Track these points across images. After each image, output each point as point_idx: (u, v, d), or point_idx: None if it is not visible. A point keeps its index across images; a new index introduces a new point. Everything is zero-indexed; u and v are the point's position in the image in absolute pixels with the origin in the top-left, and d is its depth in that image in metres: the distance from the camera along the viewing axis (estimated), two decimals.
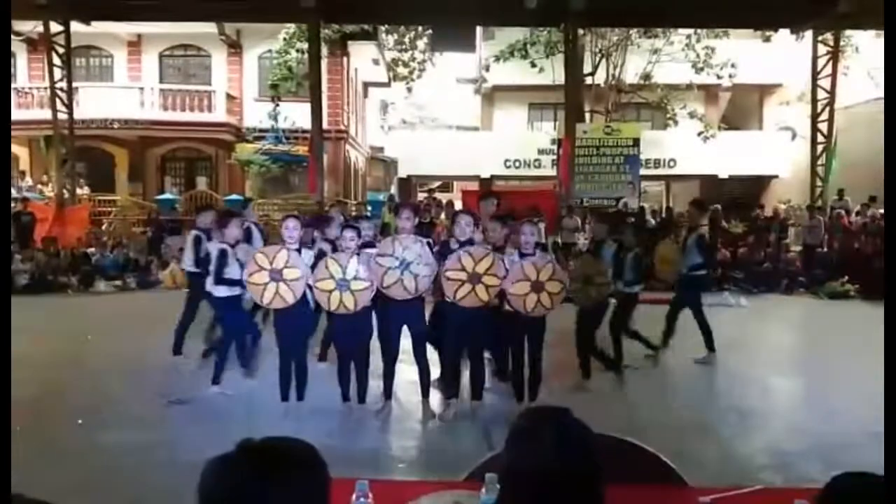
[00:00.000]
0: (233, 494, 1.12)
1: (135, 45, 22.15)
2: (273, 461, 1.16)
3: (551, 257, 5.42)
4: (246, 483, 1.12)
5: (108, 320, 10.12)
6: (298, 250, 5.17)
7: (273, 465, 1.15)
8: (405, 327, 5.22)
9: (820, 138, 16.85)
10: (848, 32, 17.84)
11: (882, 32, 19.36)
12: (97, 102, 20.02)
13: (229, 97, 21.48)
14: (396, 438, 4.94)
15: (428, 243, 5.27)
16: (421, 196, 24.39)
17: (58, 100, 16.53)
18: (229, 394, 5.68)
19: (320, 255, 5.30)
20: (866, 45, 20.52)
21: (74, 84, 17.78)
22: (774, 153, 22.82)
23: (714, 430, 5.15)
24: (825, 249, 14.88)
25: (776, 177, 23.13)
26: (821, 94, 16.82)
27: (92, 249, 14.72)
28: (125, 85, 21.55)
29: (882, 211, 14.15)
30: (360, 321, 5.11)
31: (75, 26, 16.82)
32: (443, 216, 14.98)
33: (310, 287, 5.02)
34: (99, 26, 18.61)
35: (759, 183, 23.59)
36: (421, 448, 4.77)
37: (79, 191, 18.19)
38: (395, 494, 2.05)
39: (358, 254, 5.10)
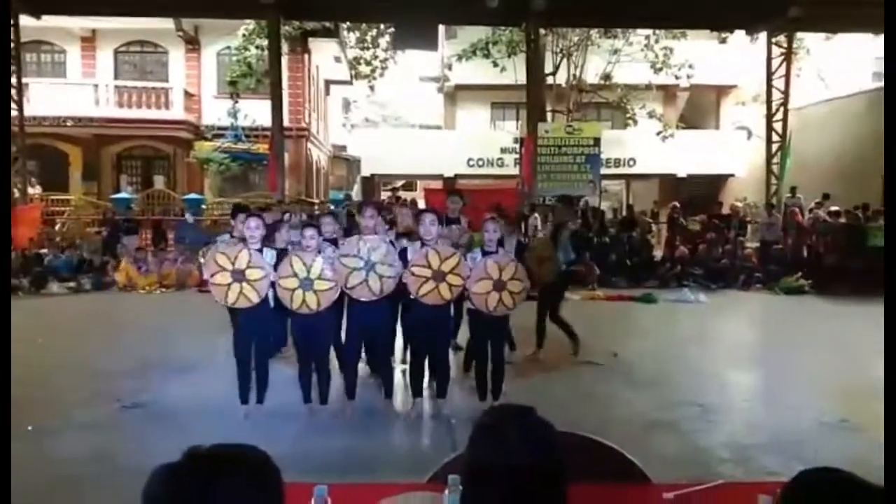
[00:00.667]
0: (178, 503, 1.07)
1: (89, 40, 21.54)
2: (221, 468, 1.11)
3: (513, 256, 5.39)
4: (192, 491, 1.07)
5: (60, 323, 9.83)
6: (260, 249, 5.05)
7: (221, 473, 1.10)
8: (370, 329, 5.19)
9: (775, 137, 17.25)
10: (799, 35, 18.31)
11: (832, 36, 20.11)
12: (49, 99, 19.43)
13: (187, 94, 21.04)
14: (360, 438, 4.88)
15: (391, 242, 5.23)
16: (385, 195, 24.31)
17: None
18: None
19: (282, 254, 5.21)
20: (816, 48, 21.16)
21: (25, 80, 17.25)
22: (731, 152, 23.31)
23: (674, 424, 5.20)
24: (780, 246, 15.23)
25: (732, 175, 23.61)
26: (775, 95, 17.21)
27: (44, 250, 14.29)
28: (79, 81, 20.94)
29: (834, 209, 14.57)
30: (323, 321, 5.04)
31: (25, 20, 16.30)
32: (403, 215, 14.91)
33: (273, 285, 4.93)
34: (51, 21, 18.10)
35: (717, 181, 24.04)
36: (384, 448, 4.72)
37: (31, 190, 17.63)
38: (355, 498, 2.01)
39: (320, 251, 5.04)
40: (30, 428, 4.90)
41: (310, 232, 5.09)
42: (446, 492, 1.85)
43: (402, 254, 5.11)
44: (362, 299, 4.97)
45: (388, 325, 5.36)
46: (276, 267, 4.97)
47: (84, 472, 4.11)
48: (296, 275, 4.88)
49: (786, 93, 17.02)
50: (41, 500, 3.78)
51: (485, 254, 5.19)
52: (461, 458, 2.10)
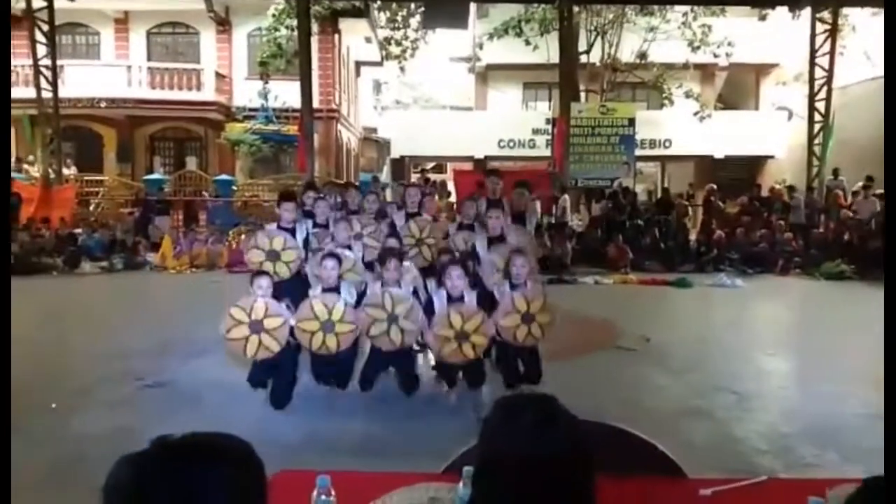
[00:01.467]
0: (140, 497, 0.93)
1: (122, 22, 21.72)
2: (194, 458, 0.97)
3: (542, 287, 5.21)
4: (157, 484, 0.93)
5: (90, 302, 9.93)
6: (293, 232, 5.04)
7: (194, 462, 0.97)
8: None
9: (817, 117, 16.66)
10: (845, 11, 17.58)
11: (878, 11, 19.31)
12: (84, 81, 19.67)
13: (218, 76, 21.11)
14: (382, 421, 4.77)
15: (415, 291, 5.09)
16: (414, 177, 24.16)
17: (42, 78, 16.18)
18: None
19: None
20: (863, 25, 20.31)
21: (60, 62, 17.44)
22: (771, 133, 22.62)
23: (709, 412, 4.99)
24: (821, 230, 14.74)
25: (772, 157, 22.94)
26: (818, 73, 16.60)
27: (78, 230, 14.48)
28: (112, 63, 21.13)
29: (879, 192, 14.01)
30: (341, 358, 4.91)
31: (59, 2, 16.47)
32: (437, 197, 14.78)
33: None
34: (84, 2, 18.24)
35: (755, 163, 23.40)
36: (404, 431, 4.60)
37: (65, 171, 17.89)
38: (366, 488, 1.87)
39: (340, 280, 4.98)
40: (53, 406, 4.90)
41: (331, 263, 4.91)
42: (461, 484, 1.71)
43: (429, 305, 4.97)
44: (382, 349, 4.87)
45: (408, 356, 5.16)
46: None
47: (100, 450, 4.06)
48: (317, 317, 4.74)
49: (830, 71, 16.40)
50: (56, 475, 3.74)
51: (513, 286, 5.01)
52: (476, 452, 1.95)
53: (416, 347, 5.26)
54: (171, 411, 4.78)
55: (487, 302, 5.01)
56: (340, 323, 4.74)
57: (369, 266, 5.90)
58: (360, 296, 5.10)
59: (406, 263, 5.34)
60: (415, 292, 5.13)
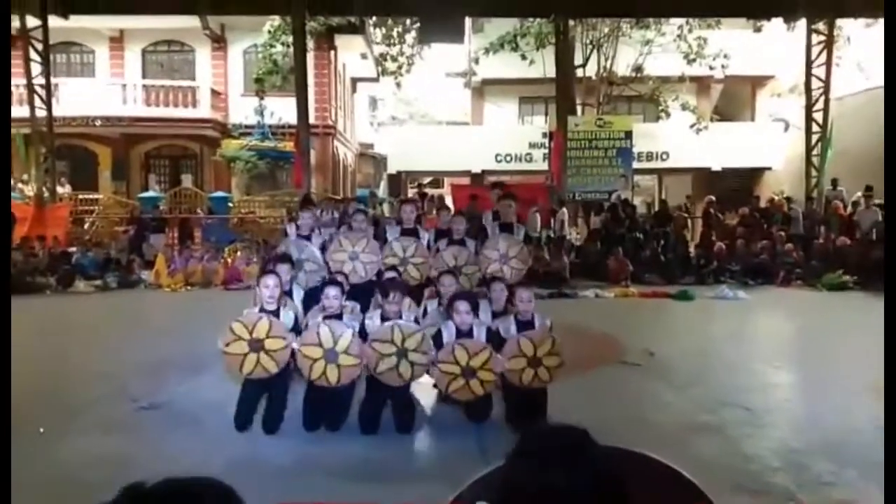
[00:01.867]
0: None
1: (117, 40, 21.72)
2: None
3: (549, 327, 4.99)
4: None
5: (83, 321, 9.76)
6: (277, 312, 4.73)
7: None
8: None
9: (814, 128, 16.64)
10: (839, 23, 17.61)
11: (872, 22, 19.38)
12: (78, 99, 19.61)
13: (214, 93, 21.08)
14: (382, 443, 4.62)
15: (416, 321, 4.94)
16: (411, 192, 24.08)
17: (36, 96, 16.10)
18: None
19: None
20: (857, 36, 20.36)
21: (54, 80, 17.37)
22: (768, 145, 22.64)
23: (719, 428, 4.85)
24: (821, 240, 14.64)
25: (769, 168, 22.93)
26: (815, 84, 16.61)
27: (72, 249, 14.33)
28: (107, 81, 21.09)
29: (878, 202, 13.95)
30: (338, 393, 4.69)
31: (54, 21, 16.40)
32: (434, 212, 14.68)
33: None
34: (79, 21, 18.19)
35: (752, 175, 23.38)
36: (407, 455, 4.45)
37: (60, 189, 17.78)
38: None
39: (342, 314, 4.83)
40: (41, 430, 4.73)
41: (333, 292, 4.77)
42: None
43: (437, 337, 4.79)
44: (390, 384, 4.65)
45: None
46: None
47: (90, 477, 3.90)
48: (321, 344, 4.54)
49: (826, 82, 16.40)
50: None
51: (518, 327, 4.84)
52: (491, 482, 1.81)
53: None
54: (166, 435, 4.63)
55: (497, 339, 4.81)
56: (345, 355, 4.54)
57: (369, 287, 5.83)
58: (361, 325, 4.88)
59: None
60: (416, 321, 4.98)
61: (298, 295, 5.39)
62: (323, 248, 6.22)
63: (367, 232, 6.41)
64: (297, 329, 4.81)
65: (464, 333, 4.74)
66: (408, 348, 4.57)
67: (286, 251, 6.01)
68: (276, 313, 4.76)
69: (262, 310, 4.72)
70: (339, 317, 4.77)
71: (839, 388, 5.87)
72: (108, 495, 3.44)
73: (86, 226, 17.42)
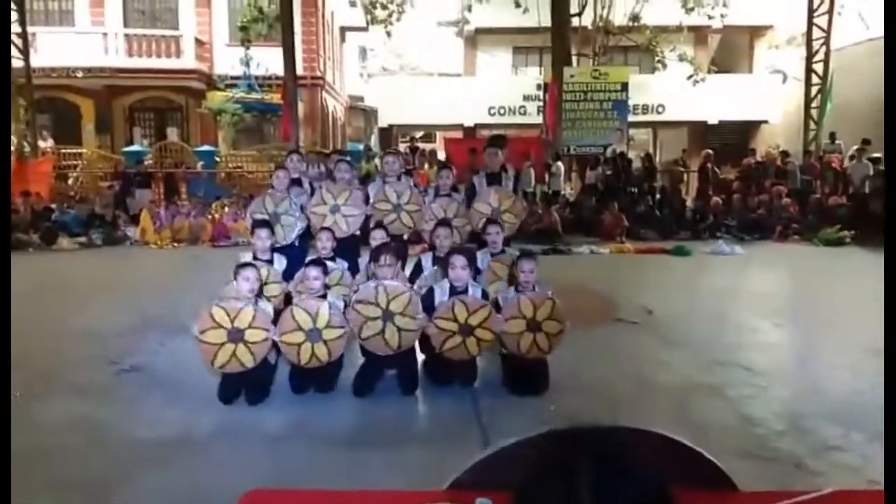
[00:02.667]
0: None
1: None
2: None
3: (549, 293, 4.69)
4: None
5: (64, 280, 9.50)
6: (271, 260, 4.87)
7: None
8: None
9: (814, 80, 16.29)
10: None
11: None
12: (57, 49, 18.96)
13: (198, 42, 20.43)
14: (373, 406, 4.44)
15: (411, 282, 4.69)
16: (402, 146, 23.64)
17: (12, 46, 15.48)
18: None
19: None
20: None
21: (31, 29, 16.74)
22: (765, 97, 22.26)
23: (720, 389, 4.70)
24: (818, 195, 14.46)
25: (766, 122, 22.61)
26: (816, 34, 16.18)
27: (54, 205, 13.98)
28: (87, 30, 20.36)
29: (875, 155, 13.71)
30: (329, 370, 4.46)
31: None
32: (426, 166, 14.40)
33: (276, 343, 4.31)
34: None
35: (748, 128, 23.08)
36: (402, 419, 4.28)
37: (42, 144, 17.30)
38: None
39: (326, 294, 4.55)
40: (17, 394, 4.53)
41: (314, 273, 4.47)
42: None
43: (429, 296, 4.55)
44: (377, 353, 4.40)
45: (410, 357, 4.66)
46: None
47: (64, 443, 3.72)
48: (300, 327, 4.24)
49: (828, 31, 15.98)
50: (19, 473, 3.38)
51: (518, 290, 4.59)
52: (488, 467, 1.61)
53: None
54: (146, 399, 4.43)
55: (497, 307, 4.58)
56: (327, 329, 4.27)
57: (353, 242, 5.61)
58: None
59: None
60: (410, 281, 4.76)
61: (281, 264, 5.15)
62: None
63: (351, 183, 6.14)
64: (290, 276, 5.01)
65: (458, 291, 4.53)
66: (393, 311, 4.32)
67: (261, 208, 5.79)
68: (270, 261, 5.01)
69: (255, 259, 4.74)
70: (322, 297, 4.46)
71: (842, 347, 5.73)
72: (80, 462, 3.20)
73: (70, 181, 17.02)
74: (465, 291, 4.54)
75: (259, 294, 4.45)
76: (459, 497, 1.56)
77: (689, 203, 14.96)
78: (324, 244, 5.04)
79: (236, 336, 4.16)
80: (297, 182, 6.30)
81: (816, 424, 4.10)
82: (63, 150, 18.16)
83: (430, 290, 4.62)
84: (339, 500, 1.64)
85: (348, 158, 6.50)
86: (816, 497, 1.69)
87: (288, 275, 5.07)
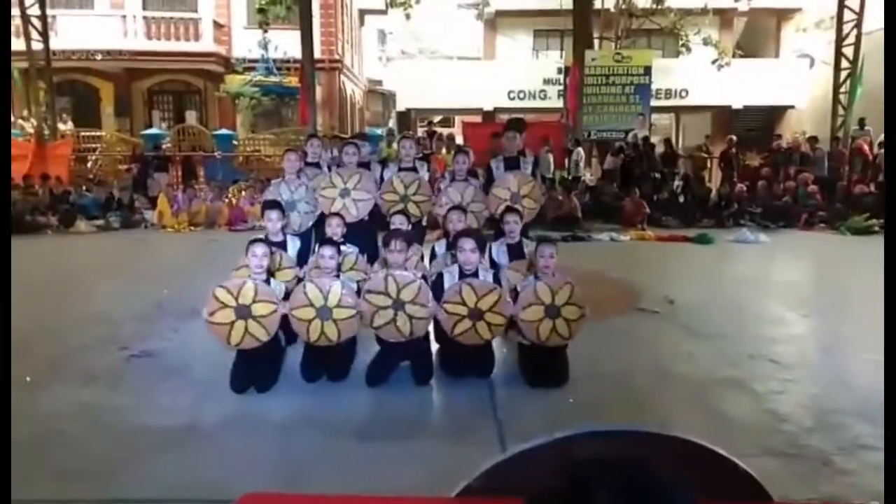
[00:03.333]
0: None
1: None
2: None
3: (567, 278, 4.54)
4: None
5: (84, 262, 9.50)
6: (284, 243, 4.79)
7: None
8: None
9: (844, 64, 15.82)
10: None
11: None
12: (77, 32, 18.97)
13: (217, 25, 20.34)
14: (388, 395, 4.34)
15: (423, 277, 4.53)
16: (421, 131, 23.46)
17: (32, 29, 15.49)
18: None
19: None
20: None
21: (51, 12, 16.74)
22: (791, 82, 21.75)
23: (745, 384, 4.53)
24: (845, 183, 14.10)
25: (792, 107, 22.11)
26: (847, 16, 15.69)
27: (73, 188, 14.02)
28: (106, 13, 20.34)
29: None
30: (340, 349, 4.37)
31: None
32: (444, 150, 14.24)
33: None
34: None
35: (774, 113, 22.59)
36: (413, 408, 4.17)
37: (62, 126, 17.35)
38: None
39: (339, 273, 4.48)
40: (28, 379, 4.48)
41: (328, 252, 4.44)
42: None
43: (439, 281, 4.47)
44: (389, 340, 4.32)
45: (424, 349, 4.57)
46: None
47: (72, 430, 3.65)
48: (311, 303, 4.18)
49: (860, 13, 15.48)
50: (23, 457, 3.32)
51: (536, 276, 4.46)
52: (502, 473, 1.48)
53: None
54: (156, 386, 4.36)
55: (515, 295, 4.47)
56: (338, 308, 4.20)
57: (368, 227, 5.49)
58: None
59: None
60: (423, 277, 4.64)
61: (294, 247, 5.07)
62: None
63: (362, 168, 6.02)
64: (304, 260, 5.06)
65: (468, 275, 4.41)
66: (404, 300, 4.22)
67: (276, 195, 5.70)
68: (283, 245, 4.93)
69: (268, 242, 4.59)
70: (336, 277, 4.41)
71: (872, 340, 5.50)
72: (86, 450, 3.08)
73: (88, 164, 17.07)
74: (476, 275, 4.42)
75: (271, 275, 4.43)
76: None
77: (714, 190, 14.65)
78: (333, 230, 4.90)
79: (244, 312, 4.15)
80: (316, 166, 6.21)
81: (846, 421, 3.93)
82: (82, 133, 18.21)
83: (440, 276, 4.52)
84: None
85: (356, 142, 6.36)
86: None
87: (299, 260, 5.00)
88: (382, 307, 4.24)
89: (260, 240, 4.50)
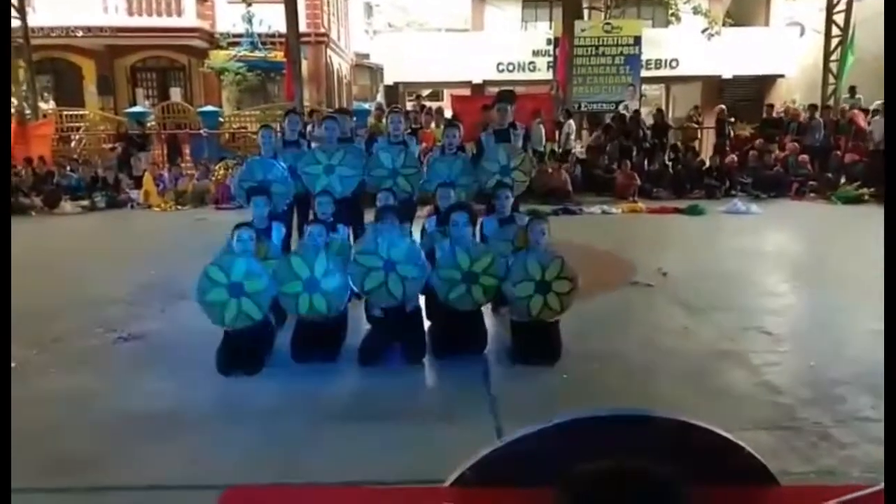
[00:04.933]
0: None
1: None
2: None
3: (556, 252, 4.48)
4: None
5: (69, 243, 9.36)
6: (268, 230, 4.75)
7: None
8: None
9: (834, 31, 15.68)
10: None
11: None
12: (56, 8, 18.51)
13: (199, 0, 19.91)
14: (381, 380, 4.27)
15: (411, 236, 4.50)
16: (409, 105, 23.19)
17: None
18: None
19: None
20: None
21: None
22: (782, 51, 21.55)
23: (741, 357, 4.49)
24: (837, 152, 14.03)
25: (782, 76, 21.96)
26: None
27: (56, 168, 13.78)
28: None
29: None
30: (330, 326, 4.31)
31: None
32: (433, 125, 14.05)
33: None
34: None
35: (764, 83, 22.43)
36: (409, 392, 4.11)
37: (43, 105, 17.03)
38: None
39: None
40: (14, 365, 4.38)
41: (317, 229, 4.41)
42: None
43: (431, 256, 4.43)
44: (382, 305, 4.27)
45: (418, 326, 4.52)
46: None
47: (57, 417, 3.57)
48: (297, 276, 4.15)
49: None
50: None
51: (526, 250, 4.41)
52: (492, 462, 1.42)
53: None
54: (143, 370, 4.28)
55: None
56: (326, 278, 4.15)
57: (354, 203, 5.38)
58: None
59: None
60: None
61: (279, 234, 4.96)
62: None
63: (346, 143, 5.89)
64: (286, 247, 4.99)
65: None
66: (394, 259, 4.17)
67: (249, 175, 5.53)
68: (267, 231, 4.78)
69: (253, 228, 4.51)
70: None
71: (867, 310, 5.48)
72: (72, 436, 3.00)
73: (72, 144, 16.79)
74: None
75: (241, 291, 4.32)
76: (464, 495, 1.38)
77: (706, 160, 14.55)
78: (324, 209, 4.82)
79: (237, 290, 4.10)
80: (296, 144, 6.05)
81: (844, 392, 3.91)
82: (65, 112, 17.88)
83: (431, 252, 4.49)
84: (319, 496, 1.45)
85: (336, 116, 6.21)
86: (870, 493, 1.49)
87: (282, 246, 4.93)
88: (374, 268, 4.18)
89: (246, 224, 4.44)
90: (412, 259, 4.20)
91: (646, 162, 13.88)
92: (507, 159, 5.56)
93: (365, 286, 4.22)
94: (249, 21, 18.78)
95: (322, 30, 20.55)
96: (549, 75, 18.73)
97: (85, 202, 12.35)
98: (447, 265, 4.26)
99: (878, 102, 14.21)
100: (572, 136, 14.93)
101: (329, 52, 21.63)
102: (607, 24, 17.13)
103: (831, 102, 15.47)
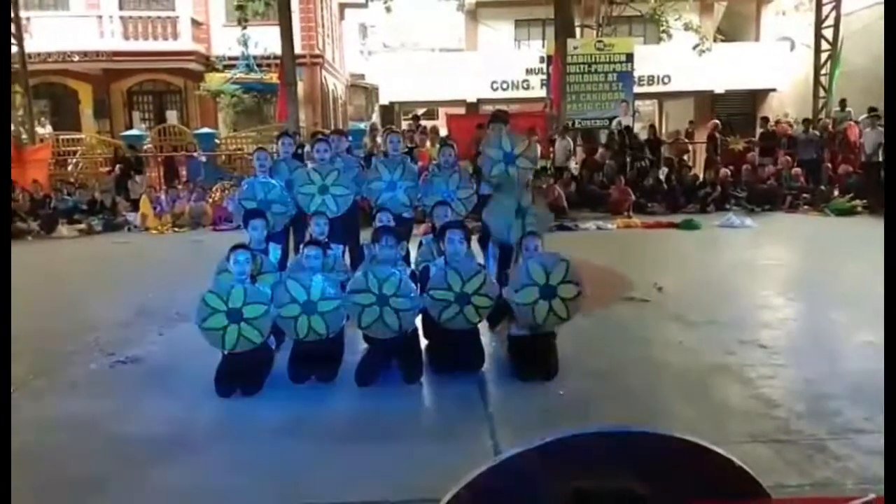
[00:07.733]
0: None
1: None
2: None
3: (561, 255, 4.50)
4: None
5: (66, 267, 9.37)
6: (266, 250, 4.77)
7: None
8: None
9: (824, 46, 15.88)
10: None
11: None
12: (53, 34, 18.68)
13: (195, 23, 20.10)
14: (380, 401, 4.29)
15: (412, 273, 4.51)
16: (405, 124, 23.33)
17: None
18: None
19: None
20: None
21: (25, 13, 16.47)
22: (772, 65, 21.80)
23: (736, 370, 4.52)
24: (829, 165, 14.15)
25: (774, 90, 22.18)
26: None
27: (53, 192, 13.83)
28: (82, 13, 20.05)
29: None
30: (327, 346, 4.34)
31: None
32: (428, 143, 14.15)
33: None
34: None
35: (756, 97, 22.66)
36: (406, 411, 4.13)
37: (40, 130, 17.12)
38: None
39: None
40: (13, 390, 4.40)
41: (313, 252, 4.41)
42: None
43: (425, 273, 4.47)
44: (379, 337, 4.29)
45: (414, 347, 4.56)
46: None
47: (55, 442, 3.58)
48: (295, 300, 4.17)
49: None
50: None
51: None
52: (485, 482, 1.44)
53: None
54: (143, 393, 4.29)
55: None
56: (322, 301, 4.18)
57: (350, 223, 5.42)
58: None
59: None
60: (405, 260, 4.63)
61: (276, 254, 5.01)
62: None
63: (333, 163, 5.92)
64: (283, 266, 5.06)
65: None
66: (387, 294, 4.18)
67: (250, 195, 5.53)
68: (265, 252, 4.81)
69: (250, 249, 4.52)
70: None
71: (861, 322, 5.52)
72: (73, 461, 3.00)
73: (69, 167, 16.86)
74: None
75: (253, 279, 4.38)
76: None
77: (700, 175, 14.65)
78: (321, 229, 4.84)
79: (236, 316, 4.12)
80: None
81: (840, 406, 3.93)
82: (62, 136, 17.97)
83: (426, 268, 4.52)
84: None
85: (328, 137, 6.25)
86: None
87: (279, 266, 4.96)
88: (368, 305, 4.19)
89: (242, 246, 4.45)
90: (404, 292, 4.20)
91: (639, 177, 13.97)
92: (511, 146, 5.53)
93: (362, 323, 4.25)
94: (245, 43, 18.95)
95: (317, 51, 20.74)
96: (542, 93, 18.90)
97: (82, 225, 12.39)
98: (439, 286, 4.27)
99: (863, 117, 14.35)
100: (570, 153, 15.03)
101: (324, 72, 21.80)
102: (599, 41, 17.31)
103: (822, 115, 15.62)
